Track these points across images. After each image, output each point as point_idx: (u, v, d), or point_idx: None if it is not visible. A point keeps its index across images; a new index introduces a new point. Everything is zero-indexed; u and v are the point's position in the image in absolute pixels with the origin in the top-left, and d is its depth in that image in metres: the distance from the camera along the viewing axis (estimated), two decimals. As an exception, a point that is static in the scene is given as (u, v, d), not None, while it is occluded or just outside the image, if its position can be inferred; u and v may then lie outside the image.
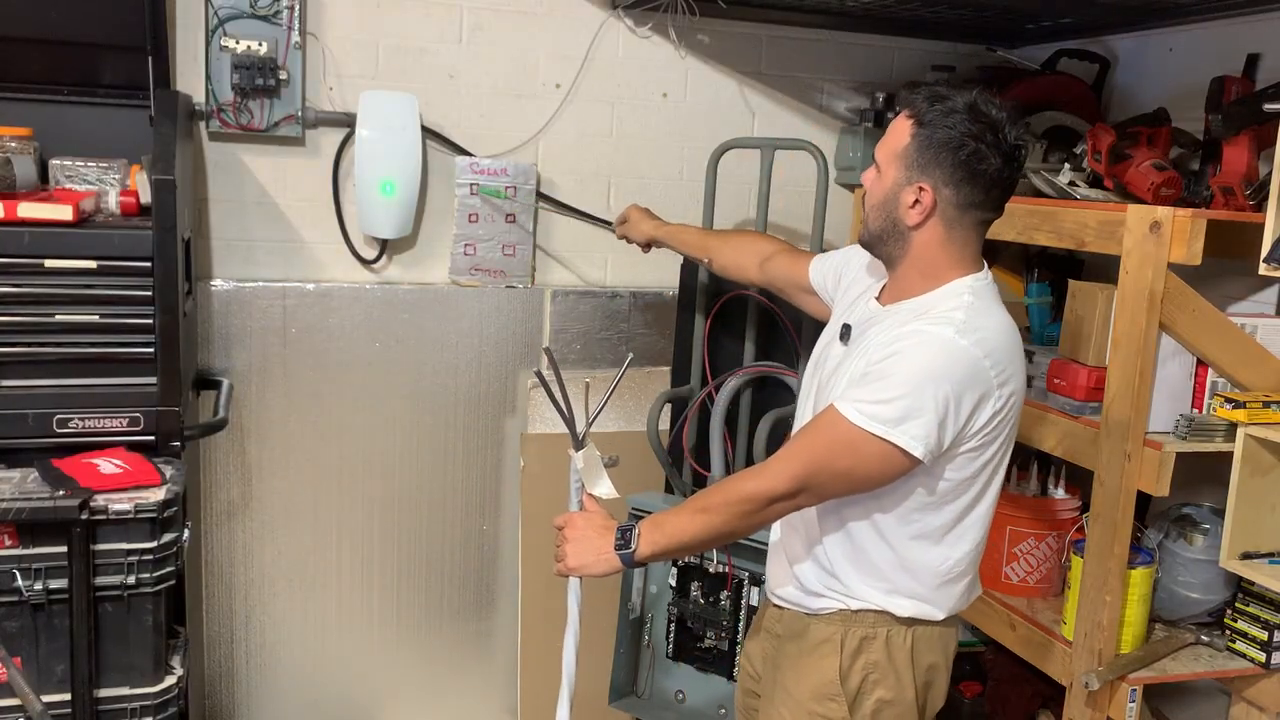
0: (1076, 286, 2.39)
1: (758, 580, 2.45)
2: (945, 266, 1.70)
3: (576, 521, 1.77)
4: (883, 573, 1.73)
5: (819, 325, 2.49)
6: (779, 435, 2.50)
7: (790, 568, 1.84)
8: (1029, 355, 2.49)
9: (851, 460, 1.60)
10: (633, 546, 1.68)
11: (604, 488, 1.83)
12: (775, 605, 1.90)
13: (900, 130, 1.67)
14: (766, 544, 2.36)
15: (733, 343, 2.63)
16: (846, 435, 1.58)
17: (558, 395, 1.81)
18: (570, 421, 1.83)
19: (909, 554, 1.71)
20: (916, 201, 1.65)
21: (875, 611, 1.74)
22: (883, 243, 1.73)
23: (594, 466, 1.84)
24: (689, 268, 2.73)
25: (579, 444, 1.84)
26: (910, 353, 1.59)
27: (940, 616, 1.76)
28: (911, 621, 1.75)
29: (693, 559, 2.51)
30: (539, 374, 1.88)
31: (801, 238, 2.95)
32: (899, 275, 1.73)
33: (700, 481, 2.62)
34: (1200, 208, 2.24)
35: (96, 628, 2.00)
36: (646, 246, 2.54)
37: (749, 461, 2.55)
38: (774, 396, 2.56)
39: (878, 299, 1.78)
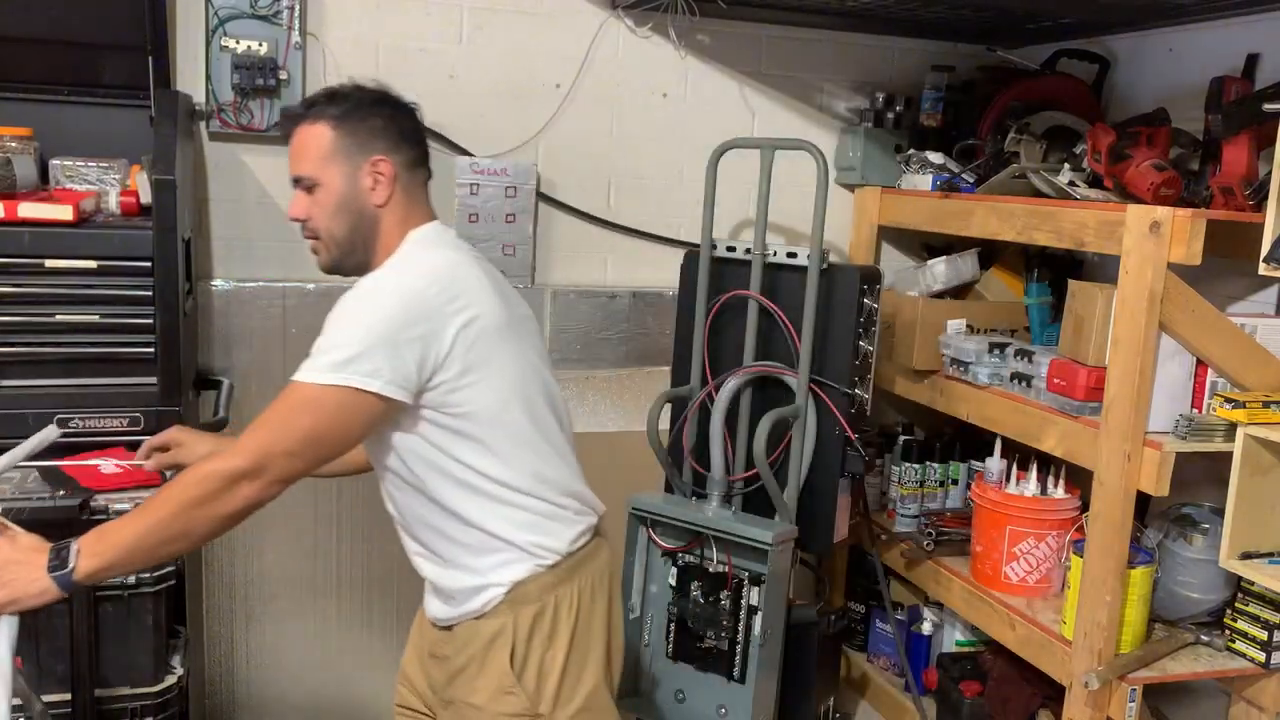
0: (1076, 286, 2.39)
1: (758, 580, 2.45)
2: (400, 237, 1.72)
3: None
4: (482, 547, 1.69)
5: (818, 325, 2.50)
6: (779, 435, 2.50)
7: (433, 587, 1.80)
8: (1029, 355, 2.49)
9: (313, 418, 1.55)
10: (70, 565, 1.46)
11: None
12: (443, 629, 1.80)
13: (316, 136, 1.72)
14: (768, 544, 2.38)
15: (733, 343, 2.63)
16: (302, 396, 1.56)
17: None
18: None
19: (482, 520, 1.67)
20: (378, 176, 1.70)
21: (514, 584, 1.69)
22: (353, 247, 1.72)
23: None
24: (689, 267, 2.73)
25: None
26: (345, 303, 1.60)
27: (563, 550, 1.71)
28: (540, 575, 1.69)
29: (692, 557, 2.51)
30: None
31: (802, 237, 2.95)
32: (374, 267, 1.71)
33: (700, 481, 2.62)
34: (1200, 208, 2.24)
35: (96, 627, 1.99)
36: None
37: (749, 461, 2.55)
38: (774, 396, 2.56)
39: None
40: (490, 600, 1.70)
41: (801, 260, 2.52)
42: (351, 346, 1.55)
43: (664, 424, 2.72)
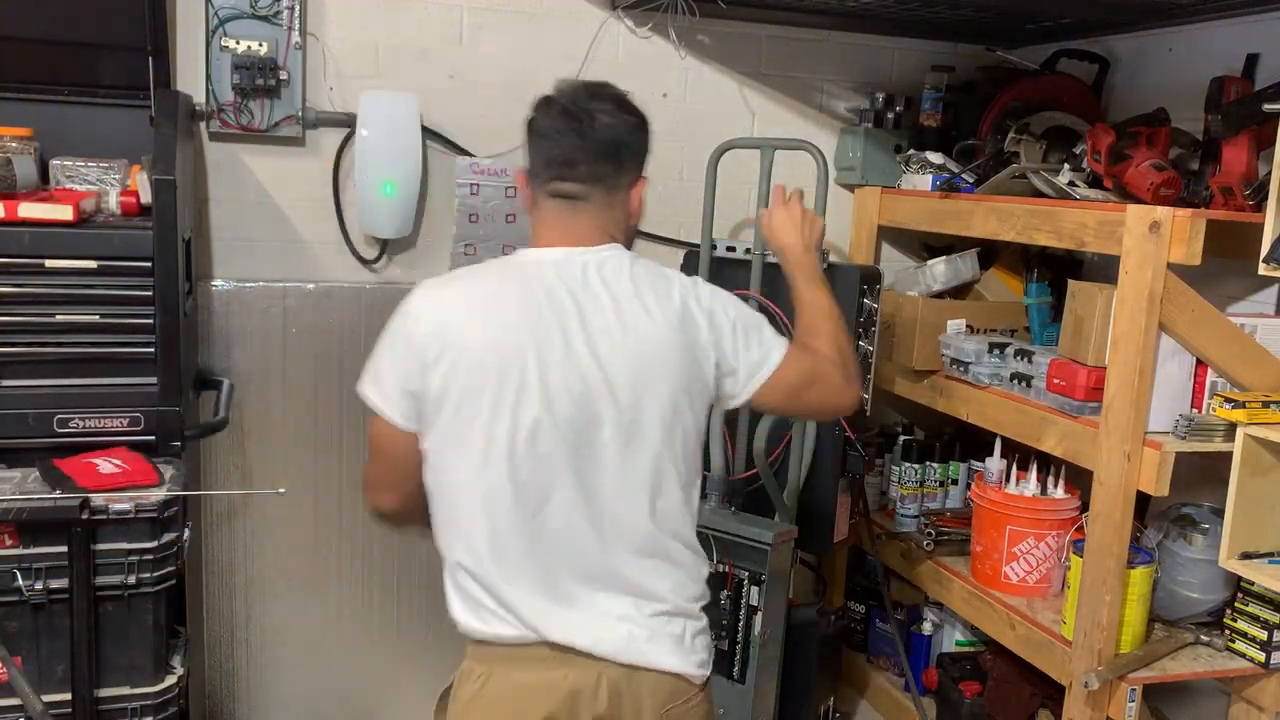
0: (1076, 286, 2.39)
1: (758, 579, 2.44)
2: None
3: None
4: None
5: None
6: (779, 435, 2.50)
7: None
8: (1029, 355, 2.49)
9: (373, 432, 1.61)
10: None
11: None
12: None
13: None
14: (768, 544, 2.38)
15: None
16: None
17: None
18: None
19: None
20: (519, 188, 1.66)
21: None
22: None
23: None
24: (689, 267, 2.72)
25: None
26: None
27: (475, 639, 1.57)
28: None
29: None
30: None
31: (801, 238, 2.95)
32: None
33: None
34: (1200, 208, 2.24)
35: (97, 627, 2.00)
36: None
37: (749, 461, 2.55)
38: (774, 396, 2.56)
39: None
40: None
41: None
42: (375, 361, 1.65)
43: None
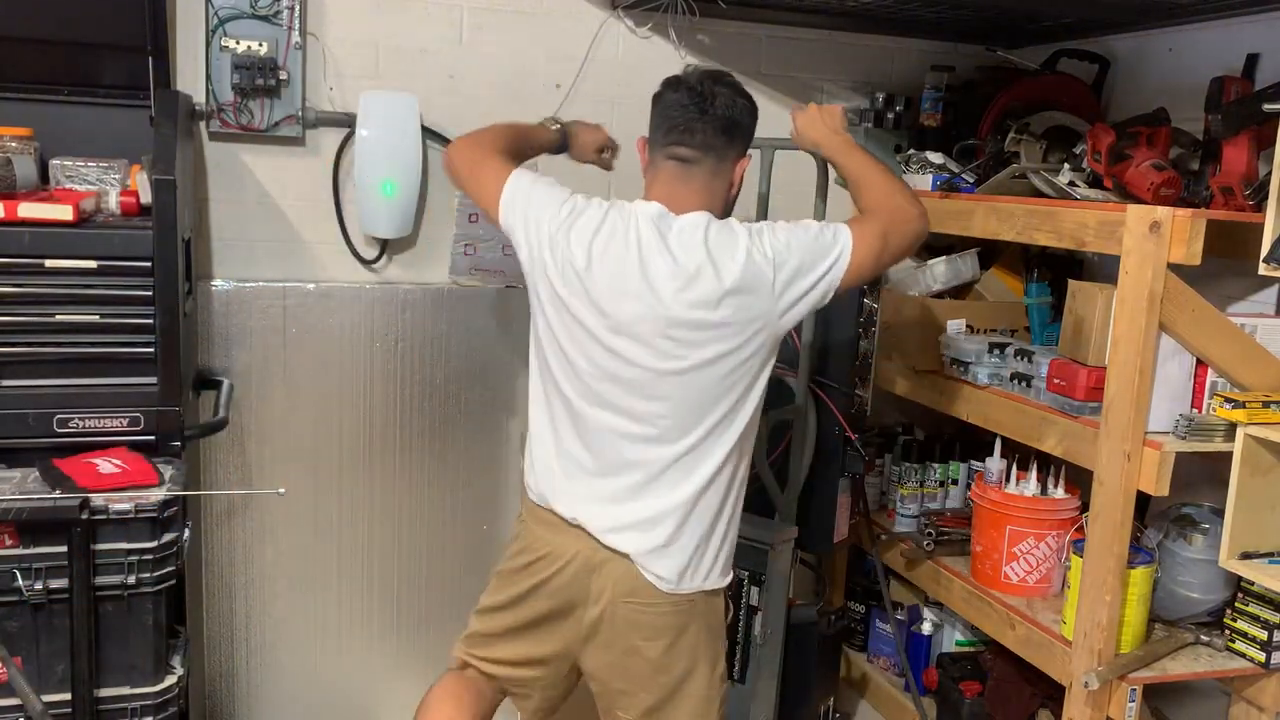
0: (1076, 286, 2.39)
1: (758, 580, 2.44)
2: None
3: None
4: None
5: (817, 324, 2.48)
6: (779, 436, 2.50)
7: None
8: (1029, 355, 2.49)
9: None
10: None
11: None
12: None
13: None
14: (768, 544, 2.37)
15: None
16: None
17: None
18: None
19: None
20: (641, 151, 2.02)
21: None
22: None
23: None
24: None
25: None
26: None
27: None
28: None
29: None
30: None
31: (801, 238, 2.95)
32: None
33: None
34: (1200, 208, 2.24)
35: (96, 627, 2.00)
36: None
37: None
38: (774, 396, 2.54)
39: None
40: None
41: None
42: None
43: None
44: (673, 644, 1.93)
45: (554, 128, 2.29)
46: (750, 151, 2.00)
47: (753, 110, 1.96)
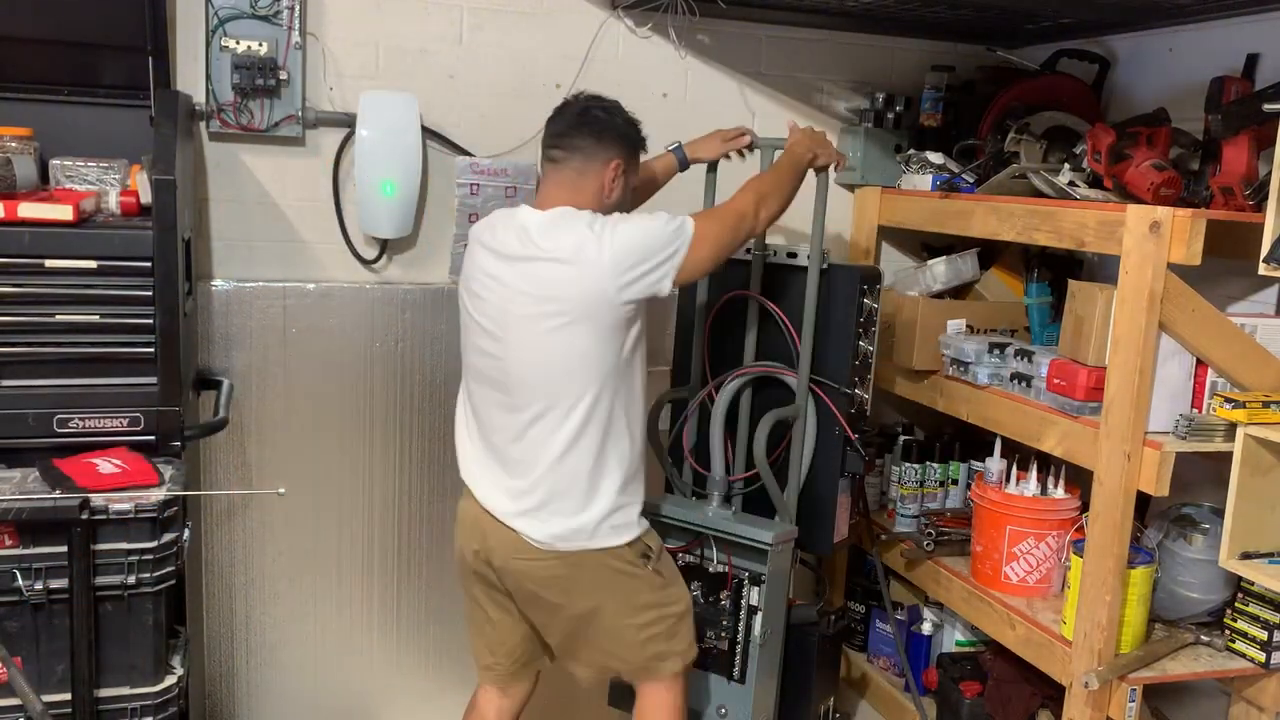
0: (1076, 286, 2.39)
1: (758, 580, 2.44)
2: None
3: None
4: None
5: (818, 325, 2.48)
6: (779, 436, 2.50)
7: None
8: (1029, 355, 2.49)
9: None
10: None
11: None
12: None
13: None
14: (768, 544, 2.38)
15: (733, 343, 2.63)
16: None
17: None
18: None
19: None
20: None
21: None
22: None
23: None
24: None
25: None
26: None
27: None
28: None
29: (693, 557, 2.50)
30: None
31: (802, 237, 2.95)
32: None
33: (701, 481, 2.62)
34: (1200, 208, 2.24)
35: (97, 628, 1.99)
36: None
37: (749, 462, 2.55)
38: (775, 397, 2.56)
39: None
40: None
41: (801, 260, 2.52)
42: None
43: (665, 424, 2.72)
44: (568, 589, 2.14)
45: (670, 149, 2.51)
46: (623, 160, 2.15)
47: (627, 120, 2.19)
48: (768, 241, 2.59)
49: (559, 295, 2.01)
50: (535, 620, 2.25)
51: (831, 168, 2.44)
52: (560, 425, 2.06)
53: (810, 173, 2.41)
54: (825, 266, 2.49)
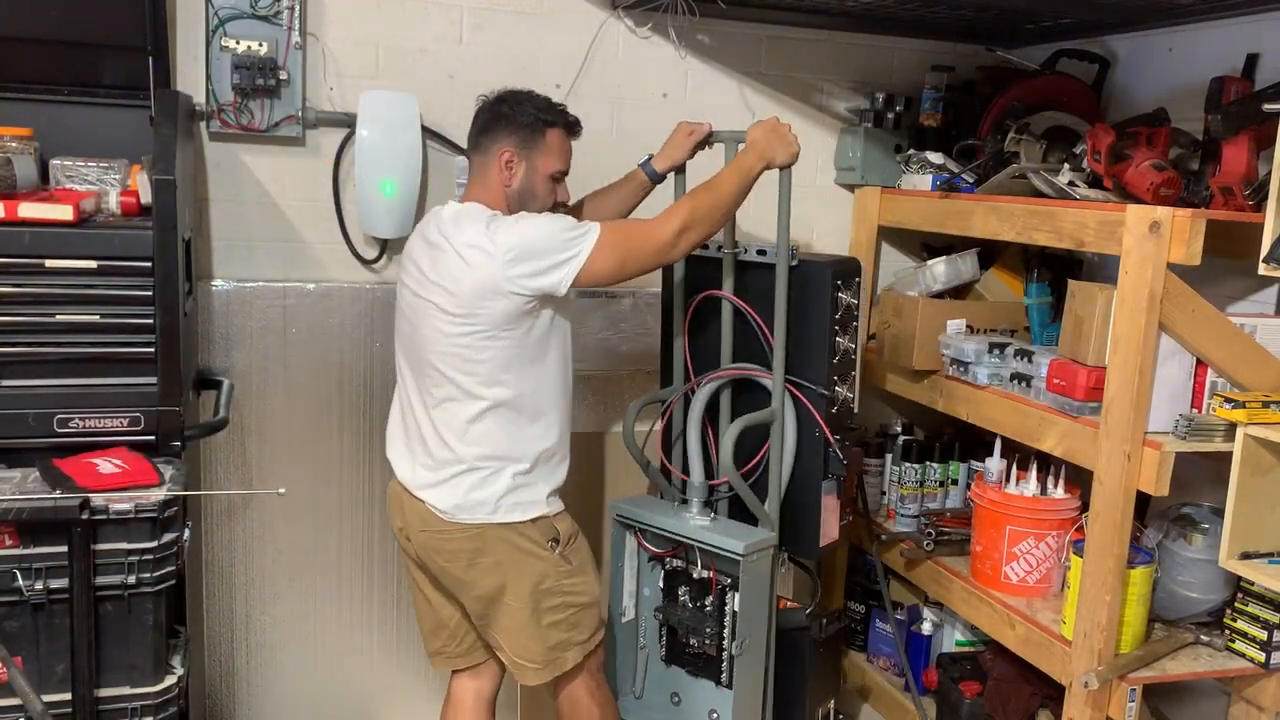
0: (1076, 286, 2.39)
1: (737, 586, 2.38)
2: None
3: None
4: None
5: (791, 324, 2.41)
6: (758, 439, 2.44)
7: None
8: (1029, 355, 2.49)
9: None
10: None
11: None
12: None
13: None
14: (739, 554, 2.31)
15: (714, 344, 2.53)
16: None
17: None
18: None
19: None
20: None
21: None
22: None
23: None
24: (667, 268, 2.60)
25: None
26: None
27: None
28: None
29: (679, 562, 2.46)
30: None
31: (797, 236, 2.95)
32: None
33: (680, 484, 2.58)
34: (1200, 208, 2.24)
35: (97, 627, 2.00)
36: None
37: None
38: (758, 399, 2.47)
39: None
40: None
41: (770, 257, 2.41)
42: None
43: (667, 425, 2.71)
44: (470, 564, 2.20)
45: (640, 164, 2.53)
46: (515, 148, 2.22)
47: (532, 109, 2.26)
48: (765, 241, 2.56)
49: (457, 288, 2.10)
50: (459, 599, 2.30)
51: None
52: (464, 407, 2.16)
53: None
54: (795, 263, 2.39)
